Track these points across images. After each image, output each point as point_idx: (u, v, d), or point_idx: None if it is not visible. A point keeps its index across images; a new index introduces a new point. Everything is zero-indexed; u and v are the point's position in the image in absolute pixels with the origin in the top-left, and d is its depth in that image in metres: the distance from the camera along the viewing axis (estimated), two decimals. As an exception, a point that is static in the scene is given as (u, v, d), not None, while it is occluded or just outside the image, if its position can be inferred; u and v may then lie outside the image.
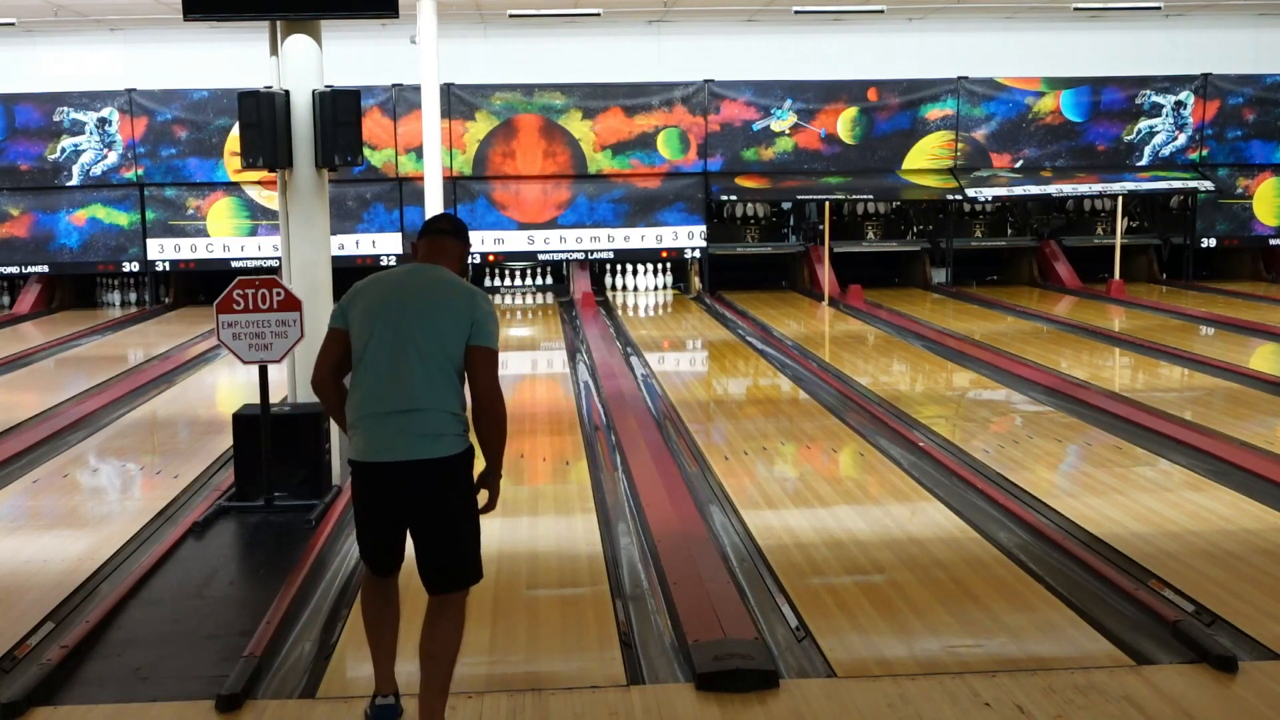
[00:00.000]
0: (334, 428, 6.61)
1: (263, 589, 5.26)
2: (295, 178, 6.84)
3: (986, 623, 4.70)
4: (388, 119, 16.01)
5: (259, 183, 15.79)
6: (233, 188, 16.14)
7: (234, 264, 16.00)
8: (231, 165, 15.85)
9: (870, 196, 16.73)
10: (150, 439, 8.65)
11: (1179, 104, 16.84)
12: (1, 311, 16.32)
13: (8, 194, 16.04)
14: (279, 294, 6.21)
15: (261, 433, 6.34)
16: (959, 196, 16.33)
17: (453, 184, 15.83)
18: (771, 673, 4.16)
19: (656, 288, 17.15)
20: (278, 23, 6.82)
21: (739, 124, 16.48)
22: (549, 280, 17.43)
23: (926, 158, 16.72)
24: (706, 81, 16.37)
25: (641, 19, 16.38)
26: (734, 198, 16.52)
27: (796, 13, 15.61)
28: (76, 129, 15.93)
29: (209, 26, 14.38)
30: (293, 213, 6.90)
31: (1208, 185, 16.67)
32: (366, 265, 15.44)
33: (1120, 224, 16.40)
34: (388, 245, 16.21)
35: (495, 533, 5.33)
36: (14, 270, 16.17)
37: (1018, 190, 16.53)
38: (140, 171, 16.03)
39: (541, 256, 16.61)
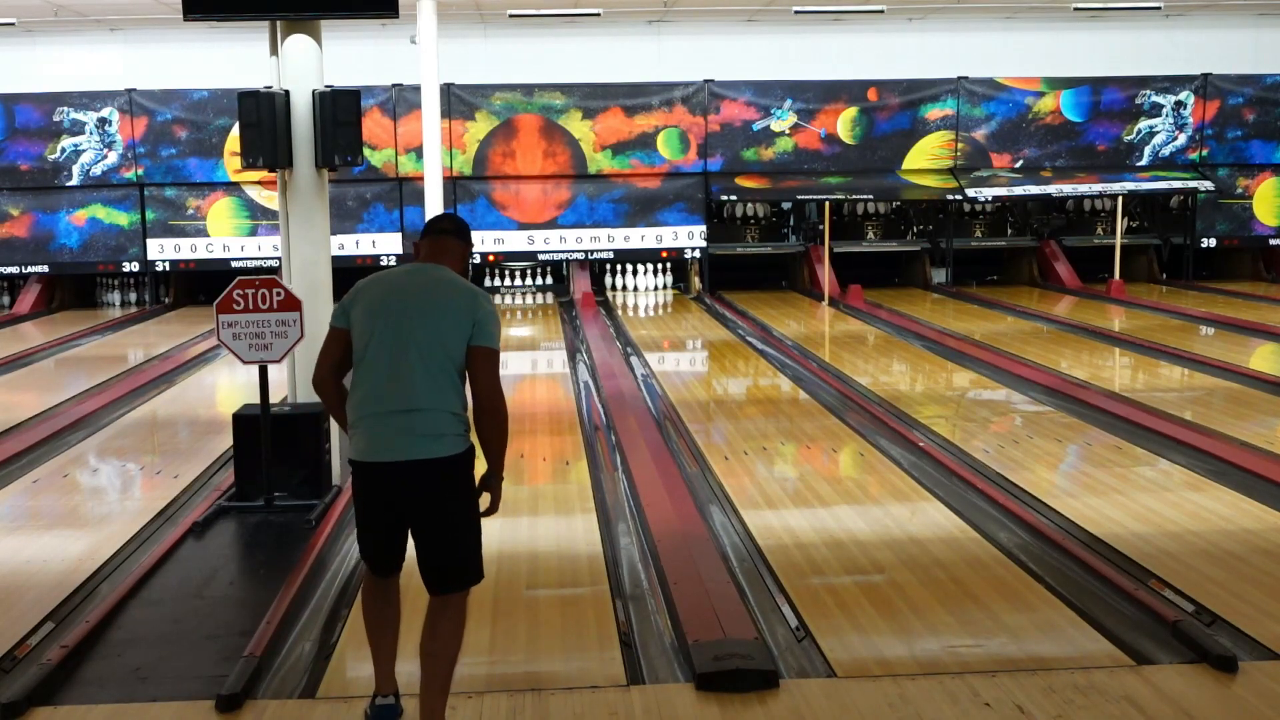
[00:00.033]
0: (334, 427, 6.61)
1: (263, 589, 5.26)
2: (295, 178, 6.84)
3: (986, 623, 4.70)
4: (388, 119, 16.01)
5: (259, 183, 15.79)
6: (233, 188, 16.14)
7: (234, 264, 16.00)
8: (231, 165, 15.85)
9: (870, 196, 16.73)
10: (150, 439, 8.65)
11: (1179, 104, 16.84)
12: (1, 311, 16.32)
13: (8, 194, 16.04)
14: (279, 294, 6.22)
15: (261, 433, 6.35)
16: (959, 196, 16.33)
17: (453, 184, 15.83)
18: (771, 673, 4.16)
19: (656, 288, 17.15)
20: (278, 23, 6.82)
21: (739, 124, 16.48)
22: (549, 280, 17.42)
23: (926, 158, 16.72)
24: (706, 81, 16.37)
25: (641, 19, 16.38)
26: (734, 198, 16.51)
27: (796, 13, 15.60)
28: (76, 129, 15.93)
29: (209, 26, 14.39)
30: (293, 213, 6.90)
31: (1208, 185, 16.67)
32: (366, 265, 15.43)
33: (1120, 224, 16.40)
34: (388, 245, 16.20)
35: (495, 533, 5.32)
36: (14, 270, 16.17)
37: (1018, 190, 16.52)
38: (140, 171, 16.03)
39: (541, 256, 16.61)
